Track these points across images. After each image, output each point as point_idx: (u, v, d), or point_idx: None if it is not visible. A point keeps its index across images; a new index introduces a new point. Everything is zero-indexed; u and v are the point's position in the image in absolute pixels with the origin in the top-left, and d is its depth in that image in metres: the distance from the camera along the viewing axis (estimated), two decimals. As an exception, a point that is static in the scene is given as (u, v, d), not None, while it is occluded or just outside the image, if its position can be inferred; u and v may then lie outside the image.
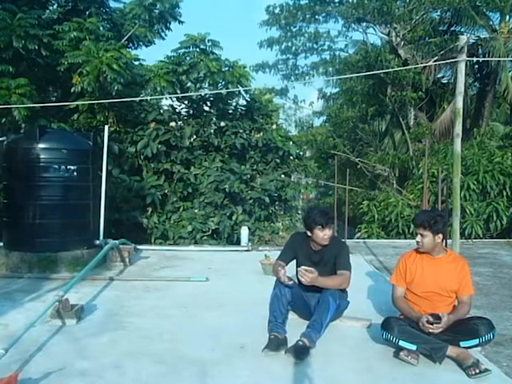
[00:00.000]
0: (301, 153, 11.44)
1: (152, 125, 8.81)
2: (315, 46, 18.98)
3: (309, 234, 3.75)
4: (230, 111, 10.07)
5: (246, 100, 10.29)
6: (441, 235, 3.38)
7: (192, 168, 9.12)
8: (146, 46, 9.81)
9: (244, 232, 8.12)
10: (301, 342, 3.25)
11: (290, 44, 18.74)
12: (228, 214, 8.94)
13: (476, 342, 3.13)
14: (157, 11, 9.38)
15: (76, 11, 8.62)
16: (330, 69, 19.15)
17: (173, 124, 9.05)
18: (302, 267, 3.62)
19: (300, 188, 10.66)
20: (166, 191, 8.78)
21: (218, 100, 9.74)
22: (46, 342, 3.47)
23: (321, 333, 3.44)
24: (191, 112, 10.02)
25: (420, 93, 14.36)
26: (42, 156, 5.73)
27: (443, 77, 16.06)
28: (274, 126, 10.27)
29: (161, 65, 9.11)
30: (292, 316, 3.89)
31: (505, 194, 10.03)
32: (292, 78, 20.08)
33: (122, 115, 8.80)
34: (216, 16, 54.24)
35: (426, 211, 3.91)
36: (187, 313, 4.24)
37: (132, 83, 8.56)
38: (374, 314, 4.15)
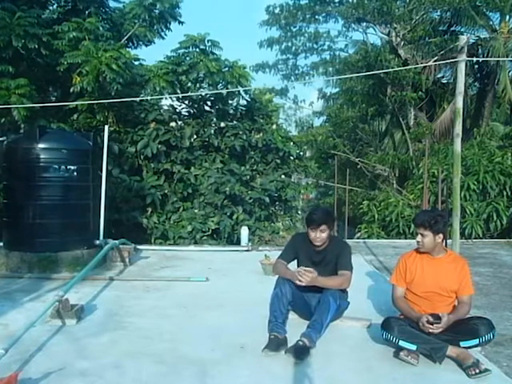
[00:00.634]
0: (301, 153, 11.43)
1: (152, 125, 8.80)
2: (315, 46, 19.00)
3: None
4: (231, 111, 10.07)
5: (246, 100, 10.30)
6: (441, 235, 3.38)
7: (192, 168, 9.11)
8: (146, 46, 9.83)
9: (244, 232, 8.12)
10: (301, 342, 3.25)
11: (290, 44, 18.76)
12: (228, 214, 8.94)
13: (476, 341, 3.13)
14: (157, 11, 9.37)
15: (76, 11, 8.61)
16: (330, 69, 19.17)
17: (173, 124, 9.04)
18: (301, 267, 3.63)
19: (300, 188, 10.66)
20: (166, 191, 8.77)
21: (218, 100, 9.75)
22: (46, 342, 3.47)
23: (321, 333, 3.44)
24: (192, 112, 10.03)
25: (420, 93, 14.37)
26: (42, 156, 5.72)
27: (443, 77, 16.08)
28: (274, 127, 10.27)
29: (160, 65, 9.11)
30: (292, 316, 3.89)
31: (505, 194, 10.03)
32: (292, 77, 20.10)
33: (122, 115, 8.80)
34: (216, 16, 54.27)
35: (426, 211, 3.91)
36: (187, 313, 4.24)
37: (132, 83, 8.56)
38: (374, 314, 4.14)
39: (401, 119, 15.49)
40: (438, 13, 14.73)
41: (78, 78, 7.59)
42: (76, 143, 6.09)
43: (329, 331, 3.57)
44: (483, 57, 13.62)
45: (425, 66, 13.78)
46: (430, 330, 3.13)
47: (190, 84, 9.34)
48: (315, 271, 3.55)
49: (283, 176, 9.89)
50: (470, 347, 3.15)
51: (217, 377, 2.96)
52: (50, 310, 3.81)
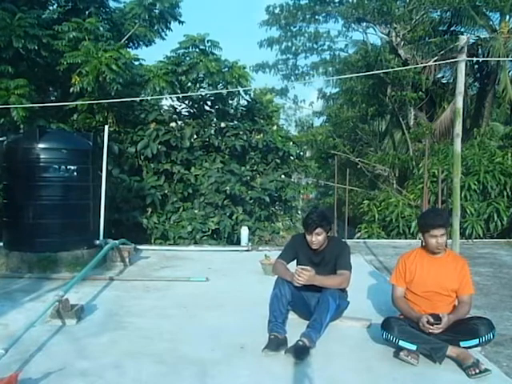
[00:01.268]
0: (301, 153, 11.43)
1: (152, 125, 8.80)
2: (315, 46, 18.98)
3: None
4: (231, 111, 10.07)
5: (247, 100, 10.30)
6: None
7: (192, 169, 9.11)
8: (147, 46, 9.83)
9: (244, 232, 8.12)
10: (301, 342, 3.25)
11: (290, 44, 18.75)
12: (228, 214, 8.94)
13: (476, 341, 3.13)
14: (157, 11, 9.39)
15: (76, 11, 8.60)
16: (330, 69, 19.16)
17: (173, 124, 9.04)
18: (299, 266, 3.63)
19: (300, 188, 10.65)
20: (166, 191, 8.77)
21: (218, 100, 9.74)
22: (46, 341, 3.47)
23: (321, 333, 3.44)
24: (192, 112, 10.03)
25: (420, 93, 14.38)
26: (42, 156, 5.73)
27: (443, 77, 16.08)
28: (275, 127, 10.27)
29: (160, 65, 9.11)
30: (292, 316, 3.89)
31: (505, 194, 10.03)
32: (292, 77, 20.08)
33: (122, 115, 8.80)
34: (216, 16, 54.28)
35: (437, 210, 3.91)
36: (187, 313, 4.24)
37: (132, 83, 8.56)
38: (374, 314, 4.14)
39: (401, 119, 15.49)
40: (438, 13, 14.74)
41: (78, 78, 7.59)
42: (76, 143, 6.09)
43: (329, 331, 3.57)
44: (483, 57, 13.62)
45: (425, 66, 13.78)
46: (430, 330, 3.13)
47: (189, 84, 9.34)
48: (313, 270, 3.56)
49: (283, 176, 9.88)
50: (470, 347, 3.15)
51: (217, 377, 2.96)
52: (50, 310, 3.81)
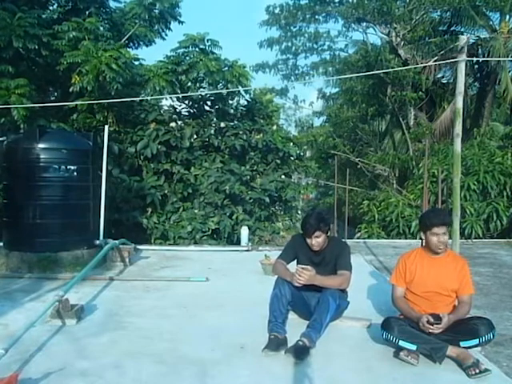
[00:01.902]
0: (301, 153, 11.43)
1: (152, 125, 8.80)
2: (315, 46, 18.99)
3: None
4: (231, 111, 10.07)
5: (247, 100, 10.30)
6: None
7: (192, 168, 9.11)
8: (147, 46, 9.82)
9: (244, 232, 8.12)
10: (301, 342, 3.25)
11: (290, 44, 18.74)
12: (228, 214, 8.94)
13: (476, 341, 3.13)
14: (157, 11, 9.39)
15: (76, 11, 8.61)
16: (330, 69, 19.16)
17: (173, 124, 9.04)
18: (299, 266, 3.63)
19: (300, 188, 10.65)
20: (165, 191, 8.77)
21: (218, 100, 9.74)
22: (46, 341, 3.47)
23: (321, 333, 3.44)
24: (192, 112, 10.03)
25: (420, 93, 14.38)
26: (42, 156, 5.73)
27: (443, 77, 16.08)
28: (275, 127, 10.27)
29: (160, 65, 9.10)
30: (292, 316, 3.89)
31: (505, 194, 10.04)
32: (292, 77, 20.08)
33: (122, 115, 8.80)
34: (216, 16, 54.22)
35: (440, 210, 3.92)
36: (187, 313, 4.24)
37: (132, 83, 8.56)
38: (374, 314, 4.14)
39: (401, 119, 15.49)
40: (438, 13, 14.73)
41: (78, 78, 7.59)
42: (76, 143, 6.09)
43: (329, 331, 3.57)
44: (483, 57, 13.63)
45: (425, 66, 13.78)
46: (430, 330, 3.13)
47: (189, 84, 9.34)
48: (313, 269, 3.56)
49: (283, 176, 9.88)
50: (470, 347, 3.15)
51: (217, 377, 2.96)
52: (50, 310, 3.81)
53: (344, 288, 3.77)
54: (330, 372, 3.04)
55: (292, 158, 10.52)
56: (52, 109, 7.81)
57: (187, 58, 9.24)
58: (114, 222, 7.64)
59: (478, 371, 2.94)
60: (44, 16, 8.20)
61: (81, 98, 7.97)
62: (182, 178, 8.96)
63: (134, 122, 8.94)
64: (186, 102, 10.02)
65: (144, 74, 8.83)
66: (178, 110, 9.98)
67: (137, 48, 9.70)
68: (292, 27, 18.11)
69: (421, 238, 3.90)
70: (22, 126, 7.11)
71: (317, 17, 17.48)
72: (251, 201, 9.22)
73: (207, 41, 9.25)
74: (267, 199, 9.24)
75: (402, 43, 15.19)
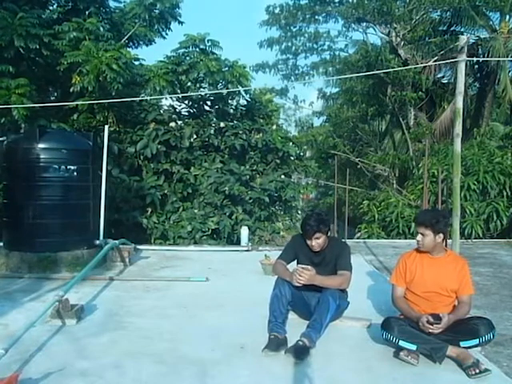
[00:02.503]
0: (301, 153, 11.43)
1: (152, 125, 8.80)
2: (315, 46, 19.00)
3: None
4: (231, 111, 10.07)
5: (247, 100, 10.30)
6: (441, 235, 3.38)
7: (192, 168, 9.11)
8: (147, 46, 9.83)
9: (244, 232, 8.12)
10: (301, 342, 3.25)
11: (290, 44, 18.76)
12: (228, 214, 8.94)
13: (476, 341, 3.13)
14: (157, 11, 9.39)
15: (76, 11, 8.60)
16: (330, 69, 19.16)
17: (172, 124, 9.04)
18: (299, 266, 3.63)
19: (300, 188, 10.65)
20: (165, 191, 8.77)
21: (217, 100, 9.75)
22: (46, 341, 3.47)
23: (321, 333, 3.44)
24: (191, 112, 10.03)
25: (420, 93, 14.37)
26: (42, 156, 5.73)
27: (443, 77, 16.08)
28: (274, 127, 10.27)
29: (160, 65, 9.11)
30: (292, 316, 3.89)
31: (505, 194, 10.04)
32: (292, 77, 20.09)
33: (122, 115, 8.80)
34: (216, 16, 54.20)
35: (428, 210, 3.91)
36: (187, 313, 4.24)
37: (132, 83, 8.56)
38: (374, 314, 4.15)
39: (401, 119, 15.49)
40: (438, 13, 14.74)
41: (78, 78, 7.59)
42: (76, 143, 6.09)
43: (329, 331, 3.57)
44: (483, 57, 13.63)
45: (425, 66, 13.78)
46: (430, 330, 3.13)
47: (189, 84, 9.34)
48: (313, 269, 3.56)
49: (283, 176, 9.88)
50: (470, 347, 3.15)
51: (217, 377, 2.96)
52: (50, 310, 3.81)
53: (344, 288, 3.77)
54: (330, 372, 3.04)
55: (292, 158, 10.52)
56: (52, 109, 7.81)
57: (187, 58, 9.24)
58: (113, 222, 7.64)
59: (477, 371, 2.94)
60: (44, 16, 8.19)
61: (81, 98, 7.98)
62: (181, 177, 8.96)
63: (133, 122, 8.94)
64: (186, 101, 10.03)
65: (144, 74, 8.83)
66: (177, 110, 9.98)
67: (137, 48, 9.72)
68: (292, 27, 18.12)
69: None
70: (22, 125, 7.11)
71: (317, 17, 17.49)
72: (251, 201, 9.22)
73: (207, 41, 9.25)
74: (267, 199, 9.24)
75: (402, 43, 15.19)
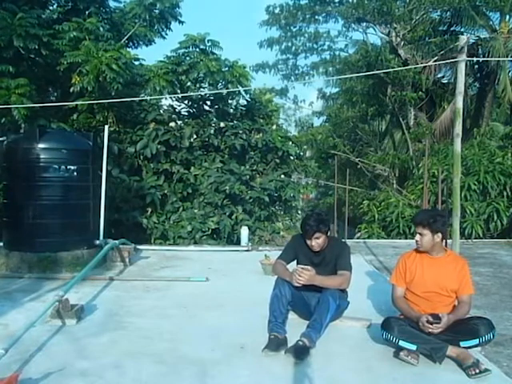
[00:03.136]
0: (301, 153, 11.43)
1: (152, 125, 8.80)
2: (315, 46, 19.01)
3: None
4: (231, 111, 10.06)
5: (247, 100, 10.30)
6: (440, 234, 3.37)
7: (192, 168, 9.11)
8: (147, 46, 9.83)
9: (244, 232, 8.12)
10: (301, 342, 3.25)
11: (290, 44, 18.77)
12: (228, 214, 8.94)
13: (476, 341, 3.13)
14: (157, 11, 9.38)
15: (76, 11, 8.60)
16: (330, 69, 19.18)
17: (172, 124, 9.03)
18: (299, 266, 3.63)
19: (300, 188, 10.65)
20: (165, 191, 8.77)
21: (217, 100, 9.75)
22: (46, 341, 3.47)
23: (321, 333, 3.44)
24: (191, 112, 10.02)
25: (420, 93, 14.38)
26: (42, 156, 5.73)
27: (443, 77, 16.08)
28: (274, 127, 10.27)
29: (160, 65, 9.11)
30: (292, 316, 3.89)
31: (505, 194, 10.04)
32: (292, 77, 20.11)
33: (122, 115, 8.80)
34: (216, 16, 54.18)
35: (426, 210, 3.90)
36: (187, 313, 4.24)
37: (132, 83, 8.56)
38: (374, 314, 4.14)
39: (401, 119, 15.49)
40: (438, 13, 14.74)
41: (78, 78, 7.59)
42: (76, 143, 6.09)
43: (329, 331, 3.57)
44: (483, 57, 13.63)
45: (425, 66, 13.78)
46: (430, 330, 3.13)
47: (189, 84, 9.34)
48: (313, 269, 3.56)
49: (283, 176, 9.88)
50: (470, 347, 3.15)
51: (217, 377, 2.96)
52: (50, 310, 3.81)
53: (344, 288, 3.76)
54: (330, 372, 3.04)
55: (291, 158, 10.52)
56: (52, 109, 7.81)
57: (187, 58, 9.24)
58: (113, 222, 7.64)
59: (477, 371, 2.94)
60: (44, 16, 8.19)
61: (81, 98, 7.98)
62: (181, 177, 8.96)
63: (133, 122, 8.94)
64: (186, 101, 10.03)
65: (144, 74, 8.83)
66: (177, 110, 9.98)
67: (136, 47, 9.72)
68: (292, 27, 18.13)
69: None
70: (22, 125, 7.11)
71: (317, 17, 17.50)
72: (251, 200, 9.22)
73: (207, 41, 9.25)
74: (267, 198, 9.24)
75: (402, 43, 15.19)
